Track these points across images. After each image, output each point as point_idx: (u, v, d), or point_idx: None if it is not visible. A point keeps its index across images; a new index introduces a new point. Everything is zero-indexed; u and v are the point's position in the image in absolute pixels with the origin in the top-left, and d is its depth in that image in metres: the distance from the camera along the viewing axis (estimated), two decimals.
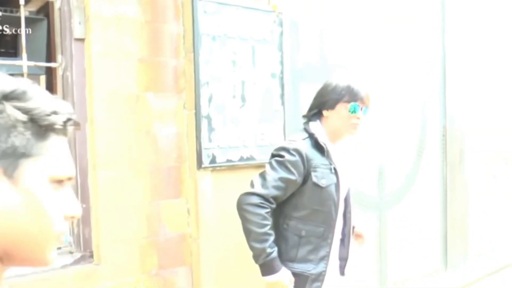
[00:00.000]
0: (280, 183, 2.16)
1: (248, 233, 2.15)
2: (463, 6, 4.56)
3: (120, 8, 2.58)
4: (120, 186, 2.64)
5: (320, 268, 2.25)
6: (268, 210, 2.14)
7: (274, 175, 2.17)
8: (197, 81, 2.81)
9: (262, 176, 2.21)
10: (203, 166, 2.84)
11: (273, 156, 2.27)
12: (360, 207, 3.81)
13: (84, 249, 2.61)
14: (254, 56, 3.02)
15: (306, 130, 2.31)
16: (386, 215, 3.98)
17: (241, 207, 2.17)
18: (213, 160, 2.87)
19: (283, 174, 2.17)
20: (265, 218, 2.12)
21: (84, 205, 2.60)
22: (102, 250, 2.59)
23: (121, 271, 2.65)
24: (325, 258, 2.27)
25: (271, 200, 2.15)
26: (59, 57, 2.64)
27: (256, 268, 2.24)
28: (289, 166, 2.17)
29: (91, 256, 2.61)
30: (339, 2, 3.66)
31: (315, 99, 2.36)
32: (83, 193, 2.61)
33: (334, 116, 2.28)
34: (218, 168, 2.89)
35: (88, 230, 2.62)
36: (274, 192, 2.15)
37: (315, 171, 2.20)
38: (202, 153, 2.83)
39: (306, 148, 2.22)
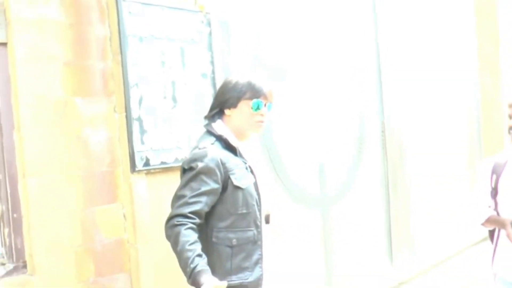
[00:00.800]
0: (197, 199, 2.08)
1: (176, 256, 2.05)
2: (394, 5, 4.81)
3: (42, 10, 2.62)
4: (52, 193, 2.66)
5: (256, 273, 2.23)
6: (188, 226, 2.03)
7: (188, 193, 2.08)
8: (126, 83, 2.88)
9: (177, 196, 2.13)
10: (137, 169, 2.90)
11: (184, 171, 2.17)
12: (303, 204, 3.95)
13: (16, 259, 2.62)
14: (183, 57, 3.12)
15: (211, 133, 2.24)
16: (329, 211, 4.13)
17: (165, 234, 2.12)
18: (146, 163, 2.93)
19: (200, 188, 2.09)
20: (183, 235, 2.01)
21: (15, 215, 2.61)
22: (35, 259, 2.60)
23: (56, 281, 2.66)
24: (259, 261, 2.24)
25: (191, 215, 2.06)
26: None
27: None
28: (204, 177, 2.09)
29: (25, 266, 2.62)
30: (275, 3, 3.81)
31: (216, 97, 2.33)
32: (13, 202, 2.61)
33: (237, 115, 2.24)
34: (152, 171, 2.96)
35: (20, 240, 2.62)
36: (192, 208, 2.07)
37: (232, 173, 2.15)
38: (135, 156, 2.89)
39: (218, 152, 2.15)
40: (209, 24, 3.28)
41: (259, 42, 3.71)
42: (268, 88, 2.28)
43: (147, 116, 2.95)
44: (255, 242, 2.24)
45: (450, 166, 5.54)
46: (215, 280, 1.97)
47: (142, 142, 2.92)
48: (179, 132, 3.08)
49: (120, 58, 2.88)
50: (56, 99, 2.69)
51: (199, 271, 1.96)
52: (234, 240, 2.18)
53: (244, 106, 2.23)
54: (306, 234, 3.98)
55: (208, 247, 2.16)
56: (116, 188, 2.91)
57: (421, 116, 5.16)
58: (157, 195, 2.98)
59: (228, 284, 2.11)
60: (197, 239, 2.02)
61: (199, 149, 2.17)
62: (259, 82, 2.27)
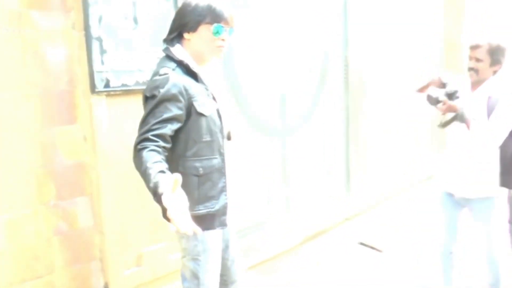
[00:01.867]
0: (161, 125, 2.04)
1: (143, 179, 1.96)
2: None
3: None
4: (8, 110, 2.59)
5: (222, 201, 2.25)
6: (150, 148, 1.99)
7: (152, 120, 2.04)
8: (85, 0, 2.78)
9: (140, 125, 2.07)
10: (96, 90, 2.85)
11: (146, 98, 2.12)
12: (264, 134, 4.00)
13: None
14: None
15: (170, 57, 2.19)
16: (289, 141, 4.19)
17: (134, 165, 2.05)
18: (107, 84, 2.89)
19: (162, 115, 2.05)
20: (146, 156, 1.96)
21: None
22: None
23: (17, 203, 2.64)
24: (224, 188, 2.25)
25: (153, 138, 2.01)
26: None
27: None
28: (167, 104, 2.06)
29: None
30: None
31: (175, 20, 2.25)
32: None
33: (196, 39, 2.20)
34: (112, 92, 2.92)
35: None
36: (156, 131, 2.02)
37: (195, 100, 2.13)
38: (95, 76, 2.84)
39: (180, 78, 2.11)
40: None
41: None
42: (229, 13, 2.24)
43: (107, 36, 2.88)
44: (220, 170, 2.26)
45: (409, 103, 5.67)
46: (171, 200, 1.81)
47: (102, 63, 2.86)
48: (141, 54, 3.03)
49: None
50: (9, 10, 2.57)
51: (160, 185, 1.85)
52: (201, 169, 2.19)
53: (204, 30, 2.19)
54: (266, 162, 4.04)
55: None
56: (75, 108, 2.85)
57: (384, 54, 5.23)
58: (118, 118, 2.96)
59: (195, 213, 2.14)
60: (161, 159, 1.97)
61: (160, 75, 2.13)
62: (220, 6, 2.22)
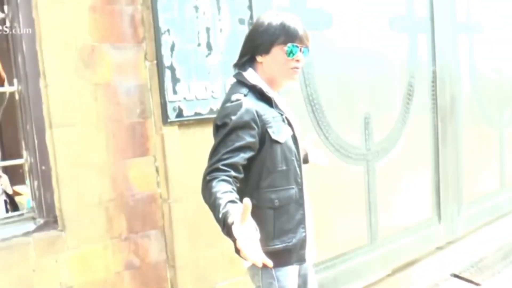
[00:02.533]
0: (232, 154, 1.93)
1: (211, 211, 1.86)
2: None
3: None
4: (80, 144, 2.60)
5: (299, 234, 2.12)
6: (220, 178, 1.87)
7: (222, 150, 1.94)
8: (157, 29, 2.75)
9: (210, 155, 1.98)
10: (169, 120, 2.80)
11: (217, 127, 2.02)
12: (346, 159, 3.80)
13: (47, 214, 2.58)
14: (218, 1, 2.96)
15: (242, 82, 2.10)
16: (374, 166, 3.97)
17: (202, 197, 1.95)
18: (180, 114, 2.83)
19: (234, 144, 1.94)
20: (215, 187, 1.84)
21: (43, 167, 2.57)
22: (65, 214, 2.57)
23: (87, 237, 2.64)
24: (302, 220, 2.13)
25: (224, 168, 1.90)
26: (5, 7, 2.56)
27: None
28: (239, 132, 1.95)
29: (55, 221, 2.59)
30: None
31: (246, 43, 2.16)
32: (41, 154, 2.56)
33: (269, 62, 2.09)
34: (186, 122, 2.86)
35: (49, 194, 2.58)
36: (227, 161, 1.91)
37: (270, 127, 2.02)
38: (167, 106, 2.79)
39: (253, 103, 2.00)
40: None
41: None
42: (303, 31, 2.11)
43: (180, 64, 2.82)
44: (297, 201, 2.13)
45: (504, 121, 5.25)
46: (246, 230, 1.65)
47: (175, 92, 2.81)
48: (214, 82, 2.95)
49: (150, 3, 2.74)
50: (82, 45, 2.59)
51: (230, 215, 1.71)
52: (276, 200, 2.07)
53: (278, 52, 2.08)
54: (349, 191, 3.83)
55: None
56: (148, 140, 2.82)
57: (475, 68, 4.87)
58: (191, 148, 2.89)
59: (271, 249, 2.03)
60: (232, 190, 1.84)
61: (232, 102, 2.03)
62: (294, 24, 2.09)
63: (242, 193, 1.99)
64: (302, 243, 2.14)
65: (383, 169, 4.03)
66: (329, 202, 3.71)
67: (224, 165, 1.91)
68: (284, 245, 2.09)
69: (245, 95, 2.04)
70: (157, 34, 2.75)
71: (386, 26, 4.02)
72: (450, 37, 4.53)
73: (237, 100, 2.01)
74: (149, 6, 2.75)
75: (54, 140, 2.53)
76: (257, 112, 1.99)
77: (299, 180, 2.14)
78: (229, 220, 1.68)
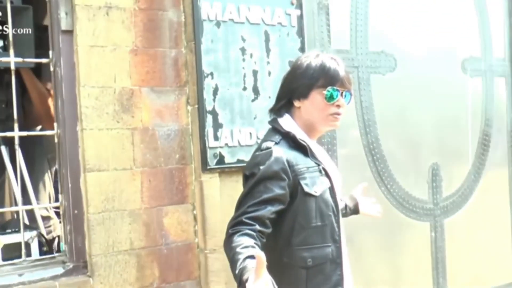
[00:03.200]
0: (258, 207, 1.78)
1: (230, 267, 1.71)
2: None
3: None
4: (115, 189, 2.56)
5: None
6: (243, 232, 1.72)
7: (249, 201, 1.80)
8: (200, 73, 2.70)
9: (236, 207, 1.86)
10: (208, 167, 2.72)
11: (246, 177, 1.90)
12: (410, 214, 3.53)
13: (77, 259, 2.54)
14: (267, 43, 2.88)
15: (276, 129, 1.97)
16: (442, 223, 3.67)
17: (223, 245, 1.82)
18: (220, 161, 2.74)
19: (262, 195, 1.79)
20: (236, 241, 1.70)
21: (76, 211, 2.54)
22: (95, 260, 2.52)
23: (117, 284, 2.56)
24: (340, 282, 1.96)
25: (248, 221, 1.75)
26: (50, 52, 2.60)
27: None
28: (268, 183, 1.80)
29: (85, 266, 2.54)
30: None
31: (283, 86, 2.03)
32: (74, 198, 2.54)
33: (308, 106, 1.94)
34: (227, 169, 2.76)
35: (81, 239, 2.55)
36: (252, 214, 1.76)
37: (303, 178, 1.86)
38: (208, 152, 2.71)
39: (284, 152, 1.87)
40: (300, 6, 2.98)
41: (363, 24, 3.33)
42: (345, 73, 1.96)
43: (223, 109, 2.75)
44: (334, 261, 1.94)
45: None
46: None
47: (216, 138, 2.72)
48: (260, 128, 2.83)
49: (193, 45, 2.69)
50: (121, 89, 2.57)
51: (246, 272, 1.54)
52: (310, 259, 1.89)
53: (317, 96, 1.92)
54: (413, 249, 3.54)
55: (279, 269, 1.84)
56: (186, 187, 2.75)
57: None
58: (231, 197, 2.74)
59: None
60: (254, 244, 1.67)
61: (262, 150, 1.90)
62: (335, 66, 1.94)
63: (271, 251, 1.84)
64: None
65: (453, 226, 3.73)
66: (390, 261, 3.45)
67: (249, 218, 1.76)
68: None
69: (276, 143, 1.90)
70: (199, 78, 2.70)
71: (457, 69, 3.78)
72: None
73: (267, 148, 1.89)
74: (193, 49, 2.70)
75: (87, 184, 2.50)
76: (288, 161, 1.85)
77: (336, 237, 1.96)
78: (245, 277, 1.52)
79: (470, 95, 3.83)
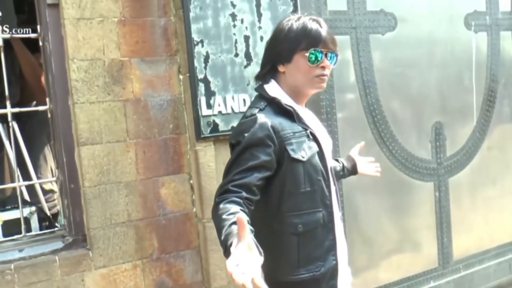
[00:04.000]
0: (244, 174, 1.77)
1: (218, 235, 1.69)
2: None
3: None
4: (109, 162, 2.59)
5: (329, 262, 1.94)
6: (229, 199, 1.71)
7: (234, 170, 1.79)
8: (189, 41, 2.68)
9: (223, 176, 1.85)
10: (202, 136, 2.72)
11: (232, 146, 1.89)
12: (413, 174, 3.51)
13: (76, 232, 2.59)
14: (258, 7, 2.84)
15: (262, 96, 1.95)
16: (446, 182, 3.65)
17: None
18: (214, 129, 2.74)
19: (247, 163, 1.78)
20: (222, 208, 1.68)
21: (72, 185, 2.58)
22: (94, 233, 2.56)
23: (116, 257, 2.61)
24: (332, 247, 1.96)
25: (234, 189, 1.74)
26: (38, 27, 2.60)
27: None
28: (253, 150, 1.80)
29: (84, 240, 2.59)
30: None
31: (266, 51, 2.01)
32: (70, 173, 2.58)
33: (292, 70, 1.92)
34: (221, 137, 2.76)
35: (79, 213, 2.59)
36: (239, 181, 1.76)
37: (289, 144, 1.85)
38: (201, 121, 2.71)
39: (269, 118, 1.85)
40: None
41: None
42: (327, 33, 1.91)
43: (215, 77, 2.73)
44: (325, 225, 1.94)
45: None
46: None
47: (209, 106, 2.72)
48: (254, 93, 2.80)
49: (182, 13, 2.66)
50: (110, 61, 2.57)
51: (231, 237, 1.52)
52: (300, 225, 1.89)
53: (300, 59, 1.90)
54: (417, 209, 3.54)
55: (270, 237, 1.88)
56: (181, 157, 2.76)
57: None
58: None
59: (296, 278, 1.89)
60: (241, 211, 1.66)
61: (246, 117, 1.89)
62: (317, 27, 1.90)
63: (262, 218, 1.89)
64: (332, 272, 1.96)
65: (457, 185, 3.70)
66: (394, 221, 3.46)
67: (235, 185, 1.75)
68: (311, 274, 1.91)
69: (261, 110, 1.89)
70: (189, 46, 2.67)
71: (461, 25, 3.69)
72: None
73: (252, 115, 1.87)
74: (181, 17, 2.67)
75: (81, 158, 2.53)
76: (273, 127, 1.83)
77: (327, 202, 1.95)
78: (229, 242, 1.51)
79: (474, 51, 3.74)
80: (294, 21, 1.93)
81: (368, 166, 2.48)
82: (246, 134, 1.82)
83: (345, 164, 2.44)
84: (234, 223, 1.57)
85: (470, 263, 3.79)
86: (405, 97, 3.46)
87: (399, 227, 3.46)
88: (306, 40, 1.89)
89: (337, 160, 2.46)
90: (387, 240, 3.42)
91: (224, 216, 1.64)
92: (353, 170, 2.45)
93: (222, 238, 1.58)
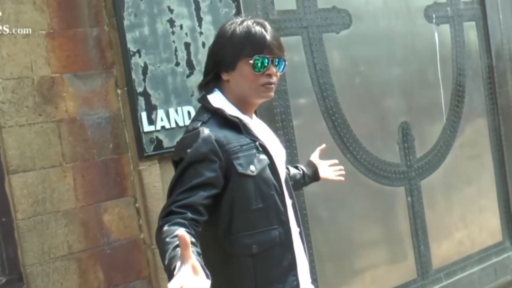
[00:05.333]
0: (188, 193, 1.76)
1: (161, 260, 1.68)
2: None
3: None
4: (44, 190, 2.57)
5: (290, 283, 1.94)
6: (173, 221, 1.70)
7: (178, 189, 1.78)
8: (125, 51, 2.68)
9: (167, 196, 1.86)
10: (146, 154, 2.73)
11: (175, 164, 1.90)
12: (382, 180, 3.56)
13: (10, 271, 2.57)
14: (198, 11, 2.87)
15: (205, 107, 1.95)
16: (418, 186, 3.71)
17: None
18: (158, 146, 2.75)
19: (191, 181, 1.78)
20: (165, 232, 1.68)
21: (3, 219, 2.55)
22: (31, 270, 2.52)
23: None
24: (292, 267, 1.96)
25: (178, 210, 1.73)
26: None
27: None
28: (197, 166, 1.79)
29: (20, 279, 2.56)
30: None
31: (208, 58, 2.01)
32: (1, 205, 2.53)
33: (237, 79, 1.92)
34: (166, 155, 2.76)
35: (12, 249, 2.56)
36: (183, 202, 1.75)
37: (236, 158, 1.85)
38: (143, 138, 2.72)
39: (213, 131, 1.84)
40: None
41: None
42: (274, 38, 1.92)
43: (155, 89, 2.74)
44: (283, 244, 1.94)
45: None
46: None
47: (151, 122, 2.72)
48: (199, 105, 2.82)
49: (115, 22, 2.67)
50: (40, 78, 2.56)
51: (175, 261, 1.50)
52: (254, 246, 1.89)
53: (244, 66, 1.90)
54: (389, 217, 3.58)
55: (222, 260, 1.90)
56: (124, 178, 2.76)
57: None
58: None
59: None
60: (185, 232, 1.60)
61: (188, 132, 1.89)
62: (261, 31, 1.91)
63: (213, 241, 1.89)
64: None
65: (430, 188, 3.78)
66: (365, 231, 3.50)
67: (179, 206, 1.75)
68: None
69: (203, 122, 1.88)
70: (125, 57, 2.68)
71: (420, 17, 3.79)
72: (510, 22, 4.16)
73: (194, 129, 1.87)
74: (115, 26, 2.68)
75: (12, 188, 2.50)
76: (218, 141, 1.83)
77: (283, 218, 1.95)
78: (173, 266, 1.48)
79: (438, 45, 3.83)
80: (237, 25, 1.93)
81: (331, 170, 2.51)
82: (188, 150, 1.82)
83: (306, 170, 2.46)
84: (178, 246, 1.53)
85: (451, 271, 3.85)
86: (367, 98, 3.51)
87: (370, 237, 3.50)
88: (250, 45, 1.89)
89: (296, 167, 2.48)
90: (358, 253, 3.46)
91: (167, 239, 1.63)
92: (315, 176, 2.48)
93: (166, 262, 1.56)
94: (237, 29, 1.92)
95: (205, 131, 1.84)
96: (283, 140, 2.94)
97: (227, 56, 1.92)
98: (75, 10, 2.67)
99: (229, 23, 1.99)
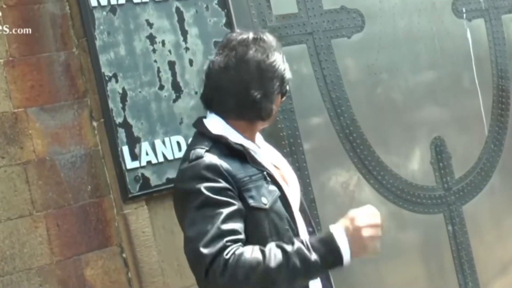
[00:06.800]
0: (227, 225, 1.78)
1: (265, 281, 1.76)
2: None
3: None
4: (13, 244, 2.57)
5: None
6: (239, 251, 1.74)
7: (209, 226, 1.76)
8: (99, 76, 2.71)
9: (190, 240, 1.80)
10: (131, 195, 2.73)
11: (185, 196, 1.87)
12: (415, 207, 3.53)
13: None
14: (182, 23, 2.90)
15: (203, 134, 1.98)
16: (460, 212, 3.68)
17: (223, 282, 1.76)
18: (145, 185, 2.76)
19: (221, 211, 1.78)
20: (252, 259, 1.73)
21: None
22: None
23: None
24: None
25: (231, 239, 1.76)
26: None
27: None
28: (216, 197, 1.80)
29: None
30: None
31: (234, 87, 1.99)
32: None
33: None
34: (155, 194, 2.78)
35: None
36: (228, 237, 1.77)
37: (247, 190, 1.87)
38: (126, 177, 2.72)
39: (220, 160, 1.87)
40: None
41: None
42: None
43: (137, 118, 2.76)
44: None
45: None
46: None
47: (134, 157, 2.73)
48: (190, 133, 2.81)
49: (86, 42, 2.70)
50: (0, 115, 2.58)
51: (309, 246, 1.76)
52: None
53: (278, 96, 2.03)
54: (427, 252, 3.54)
55: None
56: (107, 225, 2.77)
57: None
58: (167, 229, 2.80)
59: None
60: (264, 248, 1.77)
61: (191, 161, 1.88)
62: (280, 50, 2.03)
63: None
64: None
65: (475, 214, 3.75)
66: (398, 269, 3.47)
67: (230, 240, 1.76)
68: None
69: (206, 151, 1.89)
70: (99, 83, 2.70)
71: (448, 13, 3.78)
72: None
73: (198, 157, 1.87)
74: (86, 47, 2.71)
75: None
76: (227, 171, 1.85)
77: None
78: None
79: (471, 44, 3.83)
80: (270, 50, 1.97)
81: None
82: (200, 183, 1.81)
83: None
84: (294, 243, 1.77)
85: None
86: (390, 112, 3.51)
87: (406, 278, 3.46)
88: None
89: None
90: None
91: (260, 260, 1.73)
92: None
93: (308, 256, 1.74)
94: (271, 57, 1.97)
95: (213, 159, 1.85)
96: (292, 168, 2.93)
97: (274, 91, 1.99)
98: (38, 32, 2.70)
99: (254, 47, 1.97)
